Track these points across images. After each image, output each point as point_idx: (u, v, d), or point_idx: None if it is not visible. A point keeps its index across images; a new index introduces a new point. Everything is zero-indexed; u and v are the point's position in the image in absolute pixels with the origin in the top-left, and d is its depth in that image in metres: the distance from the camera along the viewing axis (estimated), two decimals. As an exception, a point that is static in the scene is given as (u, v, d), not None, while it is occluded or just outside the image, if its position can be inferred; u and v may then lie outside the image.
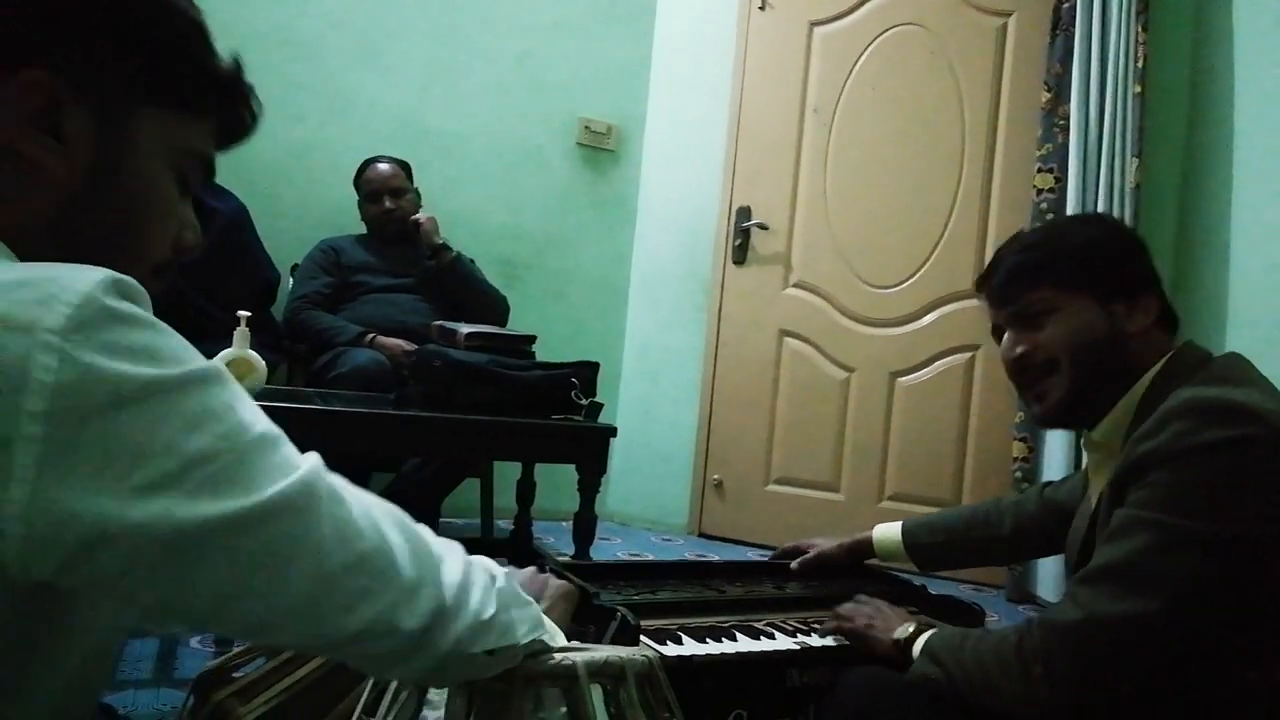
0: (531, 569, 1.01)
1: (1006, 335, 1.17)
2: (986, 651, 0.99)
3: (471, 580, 0.70)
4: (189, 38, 0.67)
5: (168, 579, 0.54)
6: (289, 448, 0.61)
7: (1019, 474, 2.91)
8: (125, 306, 0.54)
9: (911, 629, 1.14)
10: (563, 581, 0.97)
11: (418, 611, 0.64)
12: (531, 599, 0.79)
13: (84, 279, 0.53)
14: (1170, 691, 0.94)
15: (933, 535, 1.51)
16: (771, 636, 1.26)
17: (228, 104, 0.72)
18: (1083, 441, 1.17)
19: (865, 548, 1.57)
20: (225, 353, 1.74)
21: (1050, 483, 1.47)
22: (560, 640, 0.80)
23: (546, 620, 0.80)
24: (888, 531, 1.55)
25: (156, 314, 0.57)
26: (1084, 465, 1.25)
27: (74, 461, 0.50)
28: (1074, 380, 1.10)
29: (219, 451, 0.55)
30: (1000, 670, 0.96)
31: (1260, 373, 1.05)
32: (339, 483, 0.63)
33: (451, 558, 0.70)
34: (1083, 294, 1.10)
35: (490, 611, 0.70)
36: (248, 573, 0.56)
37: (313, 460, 0.62)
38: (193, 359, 0.57)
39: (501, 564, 0.80)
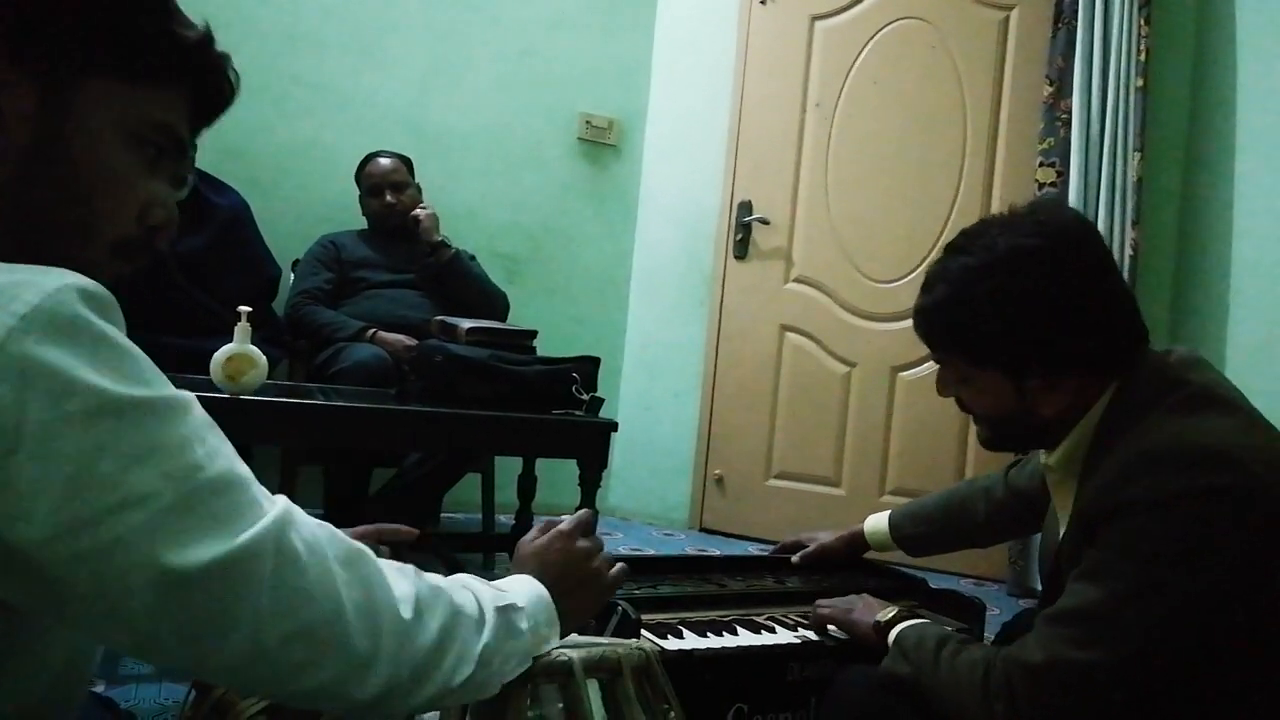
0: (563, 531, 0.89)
1: (938, 369, 1.16)
2: (959, 670, 0.99)
3: (449, 641, 0.65)
4: (142, 3, 0.64)
5: (94, 615, 0.52)
6: (247, 495, 0.56)
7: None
8: (88, 316, 0.51)
9: (893, 613, 1.15)
10: (595, 564, 0.88)
11: (368, 686, 0.60)
12: (528, 624, 0.73)
13: (44, 284, 0.50)
14: None
15: (915, 525, 1.54)
16: (772, 630, 1.27)
17: (196, 74, 0.68)
18: (1041, 467, 1.15)
19: (860, 539, 1.59)
20: (226, 348, 1.73)
21: (1016, 462, 1.47)
22: (556, 640, 0.78)
23: (549, 629, 0.76)
24: (877, 522, 1.58)
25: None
26: None
27: (9, 477, 0.47)
28: (996, 436, 1.14)
29: (160, 492, 0.51)
30: (966, 696, 0.97)
31: (1209, 366, 1.02)
32: (304, 537, 0.58)
33: (433, 615, 0.65)
34: (990, 370, 1.06)
35: (464, 675, 0.66)
36: (175, 632, 0.53)
37: (275, 512, 0.57)
38: (156, 383, 0.54)
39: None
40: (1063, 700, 0.92)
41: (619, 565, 0.91)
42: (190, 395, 0.57)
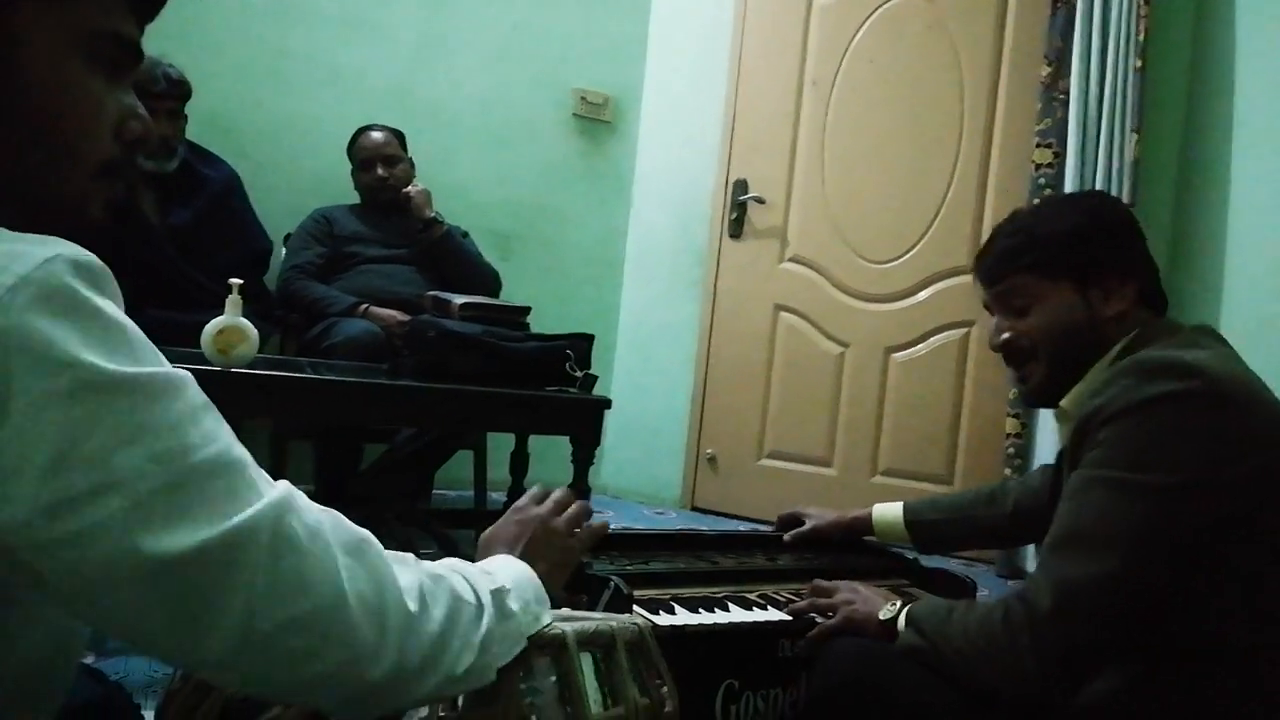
0: (539, 511, 0.92)
1: (994, 319, 1.23)
2: (972, 625, 1.00)
3: (451, 631, 0.65)
4: None
5: (76, 601, 0.51)
6: (243, 479, 0.55)
7: (1011, 450, 2.91)
8: (79, 289, 0.49)
9: (895, 608, 1.13)
10: (570, 541, 0.91)
11: (373, 676, 0.59)
12: (518, 605, 0.74)
13: (32, 256, 0.49)
14: (1150, 656, 0.95)
15: (936, 512, 1.51)
16: (764, 607, 1.27)
17: None
18: (1054, 413, 1.20)
19: (863, 525, 1.56)
20: (217, 320, 1.72)
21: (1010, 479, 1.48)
22: (549, 616, 0.78)
23: (538, 607, 0.77)
24: (888, 511, 1.54)
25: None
26: None
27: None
28: (1051, 366, 1.16)
29: (146, 475, 0.50)
30: (987, 643, 0.97)
31: (1225, 343, 1.08)
32: (306, 522, 0.57)
33: (437, 605, 0.64)
34: (1062, 281, 1.14)
35: (466, 664, 0.66)
36: (161, 620, 0.51)
37: (272, 497, 0.56)
38: (151, 360, 0.52)
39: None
40: (1078, 622, 0.93)
41: (590, 523, 0.93)
42: (187, 374, 0.55)
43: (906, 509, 1.53)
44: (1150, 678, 0.95)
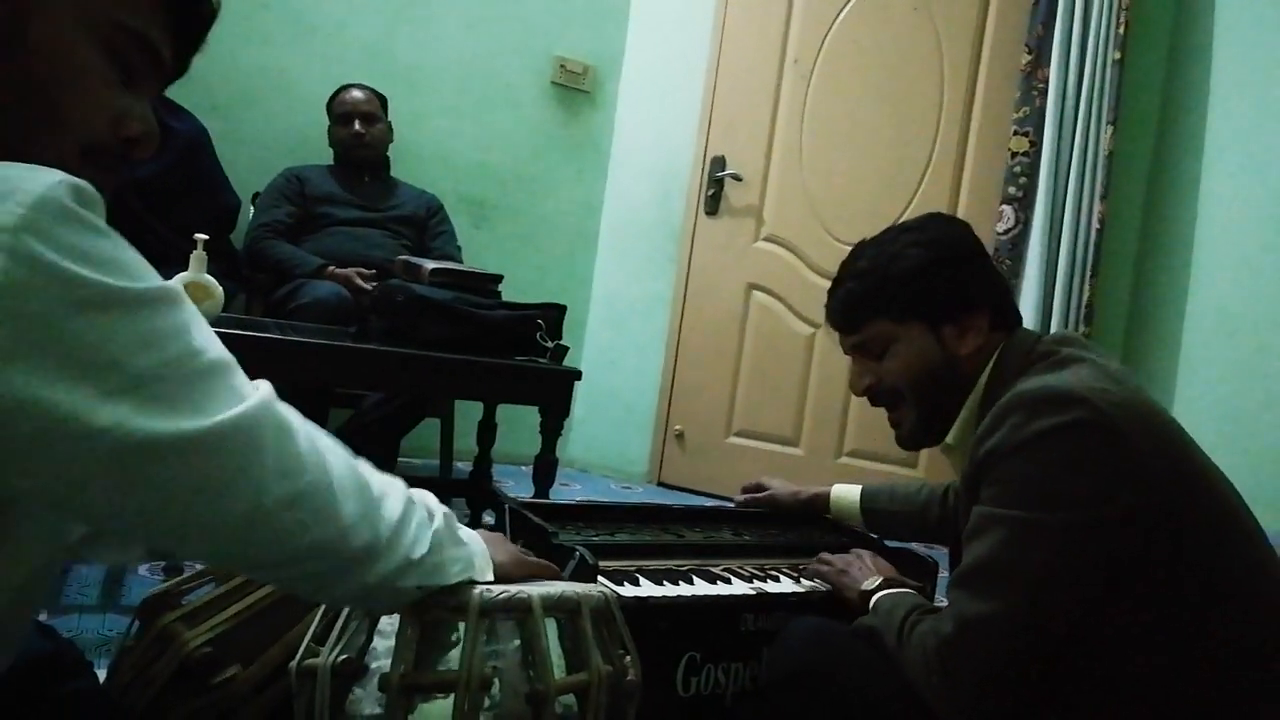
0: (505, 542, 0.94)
1: (852, 365, 1.25)
2: (912, 646, 1.00)
3: (408, 520, 0.71)
4: None
5: (105, 489, 0.53)
6: (239, 377, 0.60)
7: (976, 435, 2.94)
8: (84, 212, 0.52)
9: (878, 582, 1.17)
10: (541, 561, 0.92)
11: (350, 548, 0.65)
12: (468, 539, 0.79)
13: (40, 179, 0.51)
14: (1062, 688, 0.95)
15: (892, 503, 1.53)
16: (728, 581, 1.27)
17: None
18: (941, 448, 1.21)
19: (820, 504, 1.59)
20: (181, 276, 1.68)
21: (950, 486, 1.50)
22: (489, 575, 0.79)
23: (484, 560, 0.80)
24: (846, 492, 1.57)
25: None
26: None
27: (32, 356, 0.49)
28: (920, 408, 1.19)
29: (166, 374, 0.54)
30: (917, 672, 0.98)
31: (1091, 347, 1.09)
32: (288, 414, 0.63)
33: (392, 496, 0.71)
34: (913, 323, 1.16)
35: (421, 551, 0.71)
36: (184, 496, 0.56)
37: (264, 390, 0.61)
38: (151, 277, 0.56)
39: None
40: (977, 659, 0.93)
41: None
42: (178, 286, 0.59)
43: (864, 494, 1.55)
44: (1080, 711, 0.94)
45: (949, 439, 1.18)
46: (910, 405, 1.19)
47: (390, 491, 0.71)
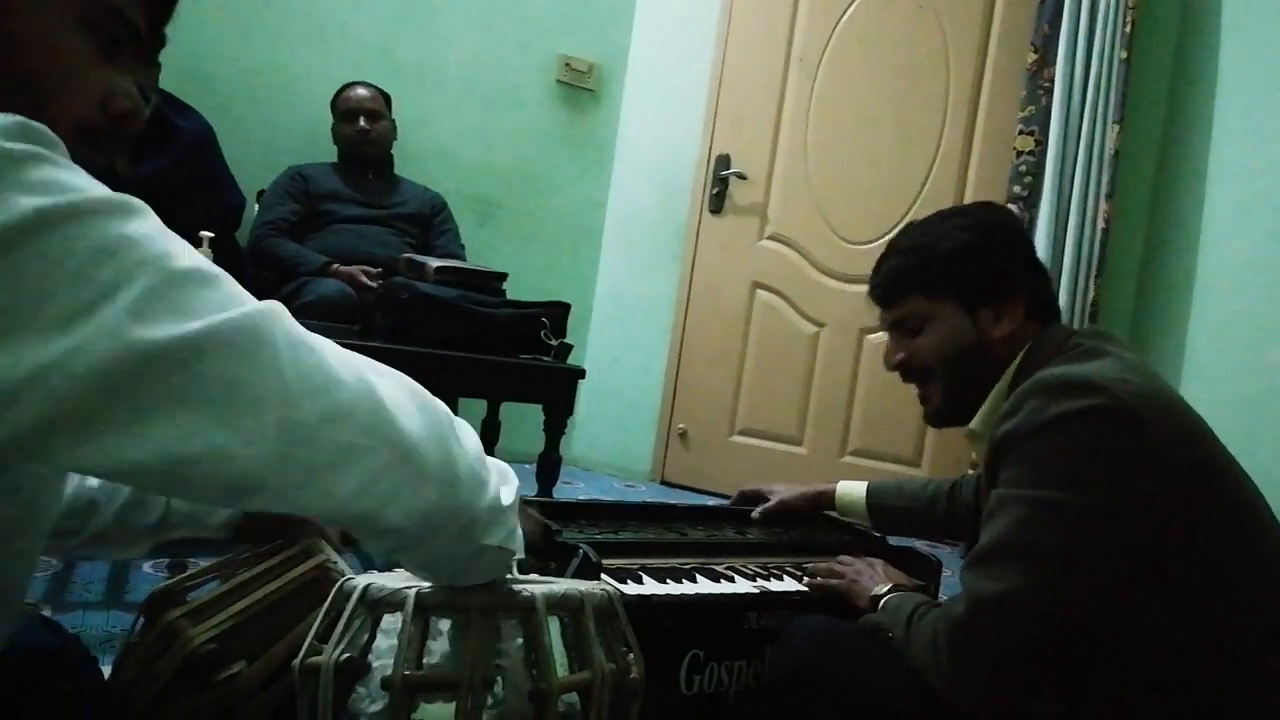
0: None
1: (887, 340, 1.26)
2: (922, 636, 1.01)
3: (485, 460, 0.66)
4: None
5: (102, 426, 0.48)
6: (234, 286, 0.54)
7: (980, 435, 2.94)
8: (22, 146, 0.48)
9: (888, 587, 1.18)
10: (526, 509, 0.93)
11: (428, 474, 0.60)
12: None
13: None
14: (1070, 677, 0.95)
15: (898, 499, 1.53)
16: (731, 580, 1.27)
17: None
18: (965, 434, 1.23)
19: (826, 500, 1.59)
20: (185, 274, 1.68)
21: (959, 481, 1.51)
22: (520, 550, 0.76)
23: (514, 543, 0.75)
24: (851, 488, 1.57)
25: None
26: None
27: None
28: (949, 386, 1.19)
29: (136, 276, 0.48)
30: (925, 659, 0.99)
31: (1121, 343, 1.09)
32: (306, 332, 0.56)
33: (467, 429, 0.66)
34: (948, 302, 1.18)
35: (509, 499, 0.67)
36: (193, 418, 0.49)
37: (269, 302, 0.55)
38: (100, 189, 0.51)
39: None
40: (989, 641, 0.94)
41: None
42: (142, 203, 0.53)
43: (870, 491, 1.55)
44: (1089, 700, 0.95)
45: (973, 425, 1.19)
46: (940, 383, 1.20)
47: (464, 426, 0.66)
